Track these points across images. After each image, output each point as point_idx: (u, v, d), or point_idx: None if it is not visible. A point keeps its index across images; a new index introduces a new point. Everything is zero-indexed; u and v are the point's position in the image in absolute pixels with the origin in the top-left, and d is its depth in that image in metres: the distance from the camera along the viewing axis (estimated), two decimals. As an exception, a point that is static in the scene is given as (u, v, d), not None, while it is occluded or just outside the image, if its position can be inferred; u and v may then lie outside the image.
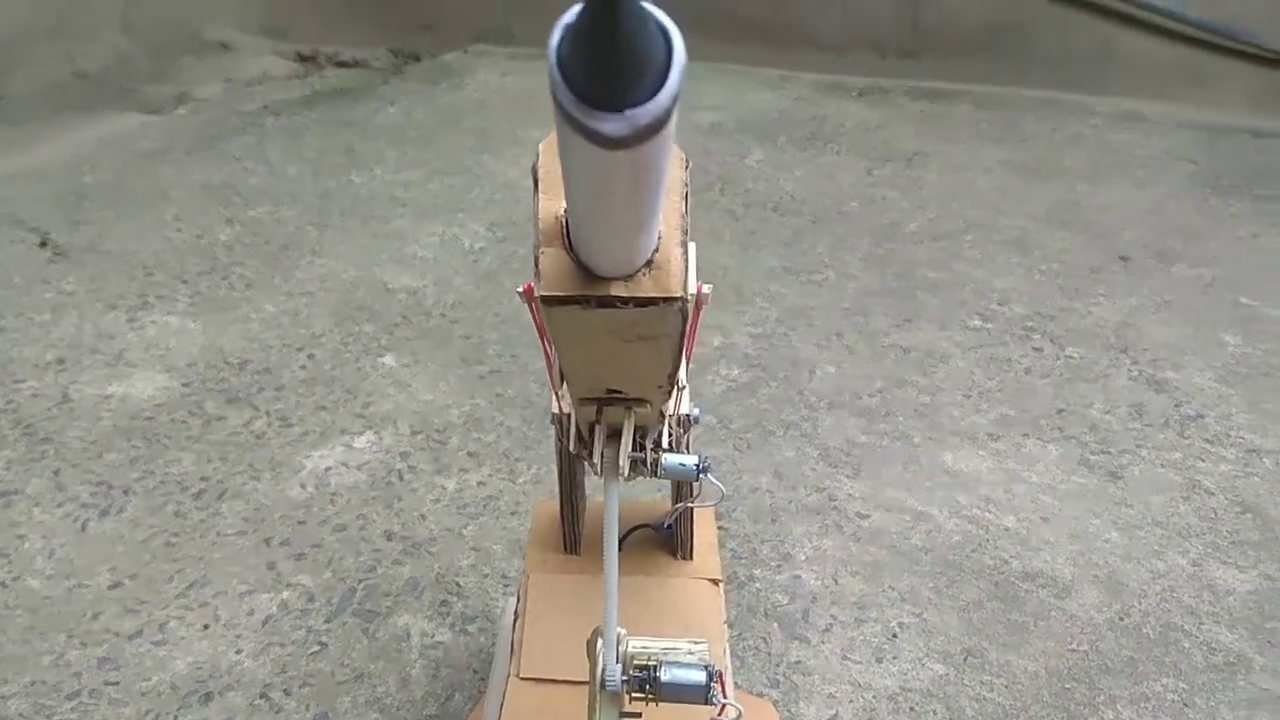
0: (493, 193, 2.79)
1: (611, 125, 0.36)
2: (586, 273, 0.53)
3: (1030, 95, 3.63)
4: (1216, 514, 1.61)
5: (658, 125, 0.37)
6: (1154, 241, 2.57)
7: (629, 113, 0.36)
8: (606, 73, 0.35)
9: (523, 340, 2.05)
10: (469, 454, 1.71)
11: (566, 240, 0.53)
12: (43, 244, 2.39)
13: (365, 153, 3.06)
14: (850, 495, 1.64)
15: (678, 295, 0.53)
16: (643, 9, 0.34)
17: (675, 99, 0.37)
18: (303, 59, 3.90)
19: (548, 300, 0.53)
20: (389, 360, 1.99)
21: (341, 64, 3.88)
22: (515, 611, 1.06)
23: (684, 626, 0.95)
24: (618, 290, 0.53)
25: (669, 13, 0.37)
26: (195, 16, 3.87)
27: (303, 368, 1.95)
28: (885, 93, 3.70)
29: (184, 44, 3.76)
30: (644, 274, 0.53)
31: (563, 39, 0.35)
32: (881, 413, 1.86)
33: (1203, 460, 1.74)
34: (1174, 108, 3.58)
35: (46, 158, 2.94)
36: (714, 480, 0.90)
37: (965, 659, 1.32)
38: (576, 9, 0.34)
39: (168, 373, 1.91)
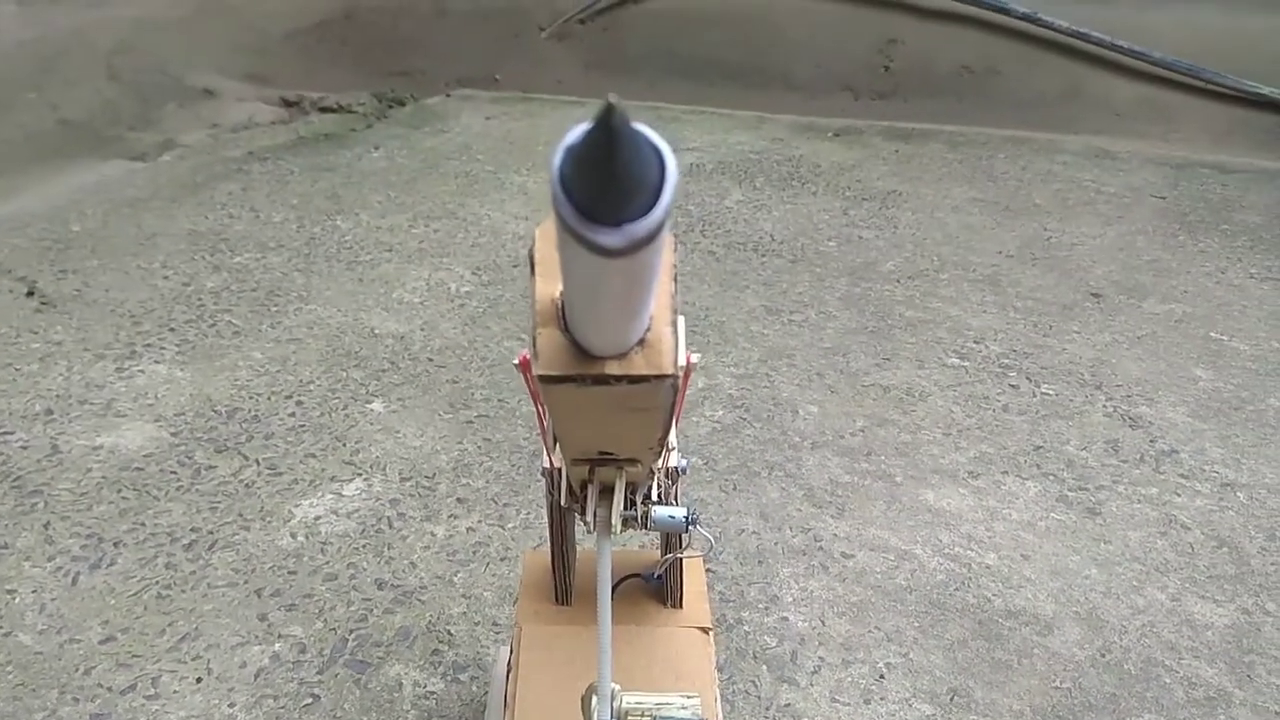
0: (477, 236, 2.83)
1: (609, 238, 0.39)
2: (581, 352, 0.56)
3: (1000, 134, 3.71)
4: (1193, 549, 1.65)
5: (652, 237, 0.40)
6: (1125, 278, 2.63)
7: (626, 227, 0.39)
8: (605, 192, 0.38)
9: (509, 385, 2.07)
10: (458, 500, 1.73)
11: (562, 321, 0.56)
12: (30, 293, 2.40)
13: (350, 198, 3.09)
14: (835, 535, 1.66)
15: (669, 373, 0.56)
16: (639, 135, 0.37)
17: (668, 213, 0.39)
18: (287, 104, 3.94)
19: (545, 379, 0.56)
20: (377, 406, 2.01)
21: (326, 109, 3.92)
22: (508, 662, 1.08)
23: (675, 676, 0.97)
24: (612, 369, 0.56)
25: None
26: (179, 63, 3.90)
27: (291, 415, 1.97)
28: (860, 133, 3.77)
29: (168, 91, 3.79)
30: (636, 352, 0.56)
31: (565, 160, 0.38)
32: (863, 452, 1.89)
33: (1178, 495, 1.78)
34: (1141, 144, 3.68)
35: (31, 206, 2.96)
36: (703, 531, 0.92)
37: (952, 699, 1.34)
38: (579, 133, 0.37)
39: (156, 423, 1.92)
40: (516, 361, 0.64)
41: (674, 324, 0.57)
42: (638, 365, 0.56)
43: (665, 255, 0.56)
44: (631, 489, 0.86)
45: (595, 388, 0.56)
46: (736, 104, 4.05)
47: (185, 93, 3.84)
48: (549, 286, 0.56)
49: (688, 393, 0.81)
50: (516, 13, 4.48)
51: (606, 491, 0.84)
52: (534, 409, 0.83)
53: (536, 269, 0.57)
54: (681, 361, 0.60)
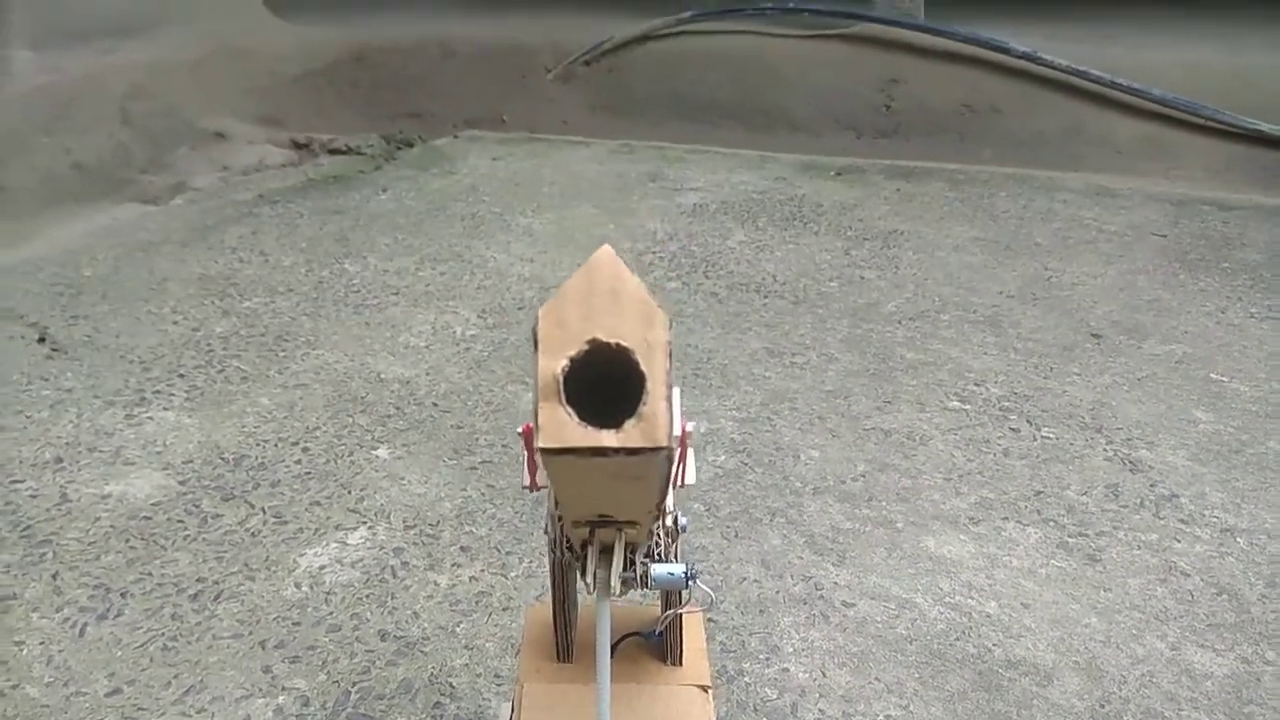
0: (483, 279, 2.86)
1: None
2: (581, 426, 0.59)
3: (1001, 172, 3.74)
4: (1193, 596, 1.65)
5: None
6: (1125, 318, 2.65)
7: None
8: None
9: (513, 430, 2.10)
10: (461, 548, 1.75)
11: (562, 395, 0.59)
12: (41, 339, 2.44)
13: (358, 240, 3.13)
14: (836, 584, 1.67)
15: (664, 445, 0.59)
16: None
17: None
18: (297, 146, 4.00)
19: (545, 451, 0.59)
20: (382, 453, 2.03)
21: (335, 151, 3.98)
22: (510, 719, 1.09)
23: (673, 737, 0.98)
24: (609, 441, 0.59)
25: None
26: (192, 106, 3.97)
27: (297, 462, 1.99)
28: (862, 172, 3.81)
29: (180, 134, 3.86)
30: (633, 425, 0.59)
31: None
32: (865, 497, 1.90)
33: (1178, 541, 1.79)
34: (1141, 182, 3.71)
35: (44, 250, 3.01)
36: (703, 587, 0.94)
37: (950, 751, 1.35)
38: None
39: (164, 471, 1.95)
40: (520, 430, 0.68)
41: (669, 398, 0.60)
42: (634, 438, 0.59)
43: (660, 331, 0.60)
44: (631, 549, 0.88)
45: (594, 459, 0.59)
46: (740, 144, 4.09)
47: (197, 135, 3.91)
48: (552, 363, 0.59)
49: (693, 438, 0.84)
50: (522, 54, 4.56)
51: (606, 551, 0.86)
52: (527, 469, 0.85)
53: (540, 346, 0.60)
54: (677, 432, 0.63)
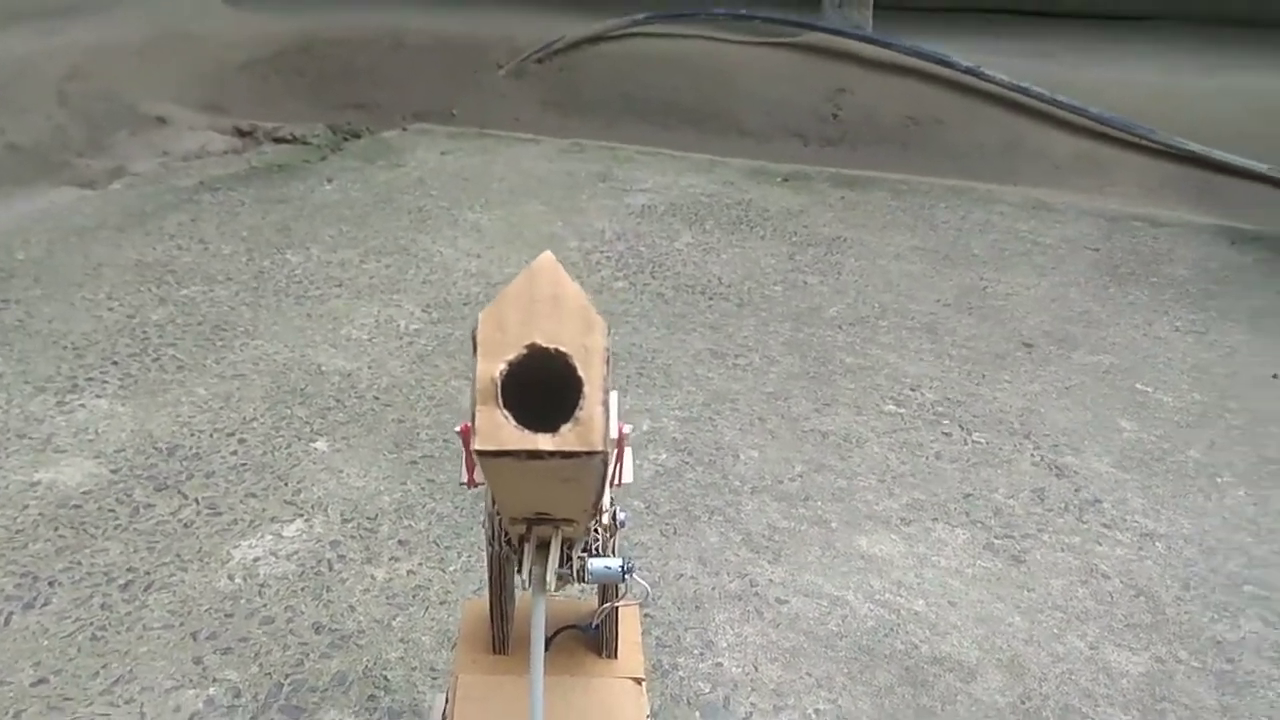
0: (429, 273, 2.85)
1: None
2: (518, 429, 0.60)
3: (942, 184, 3.83)
4: (1112, 597, 1.72)
5: None
6: (1056, 328, 2.73)
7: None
8: None
9: (455, 424, 2.09)
10: (399, 542, 1.74)
11: (500, 399, 0.60)
12: (-32, 323, 2.37)
13: (301, 231, 3.10)
14: (771, 581, 1.70)
15: (599, 449, 0.60)
16: None
17: None
18: (241, 134, 3.94)
19: (482, 453, 0.60)
20: (321, 445, 2.01)
21: (280, 139, 3.92)
22: (444, 712, 1.09)
23: (605, 727, 1.00)
24: (545, 445, 0.60)
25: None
26: (133, 90, 3.89)
27: (233, 453, 1.97)
28: (808, 179, 3.87)
29: (120, 118, 3.77)
30: (569, 429, 0.60)
31: None
32: (801, 497, 1.94)
33: (1100, 544, 1.85)
34: (1077, 197, 3.81)
35: (-26, 232, 2.92)
36: (639, 580, 0.96)
37: (876, 745, 1.38)
38: None
39: (96, 459, 1.91)
40: (458, 429, 0.69)
41: (605, 403, 0.61)
42: (570, 441, 0.60)
43: (598, 338, 0.61)
44: (568, 544, 0.89)
45: (530, 461, 0.60)
46: (690, 147, 4.13)
47: (137, 120, 3.82)
48: (490, 366, 0.60)
49: (633, 437, 0.85)
50: (475, 49, 4.54)
51: (543, 548, 0.87)
52: (465, 466, 0.86)
53: (479, 349, 0.61)
54: (614, 434, 0.64)
